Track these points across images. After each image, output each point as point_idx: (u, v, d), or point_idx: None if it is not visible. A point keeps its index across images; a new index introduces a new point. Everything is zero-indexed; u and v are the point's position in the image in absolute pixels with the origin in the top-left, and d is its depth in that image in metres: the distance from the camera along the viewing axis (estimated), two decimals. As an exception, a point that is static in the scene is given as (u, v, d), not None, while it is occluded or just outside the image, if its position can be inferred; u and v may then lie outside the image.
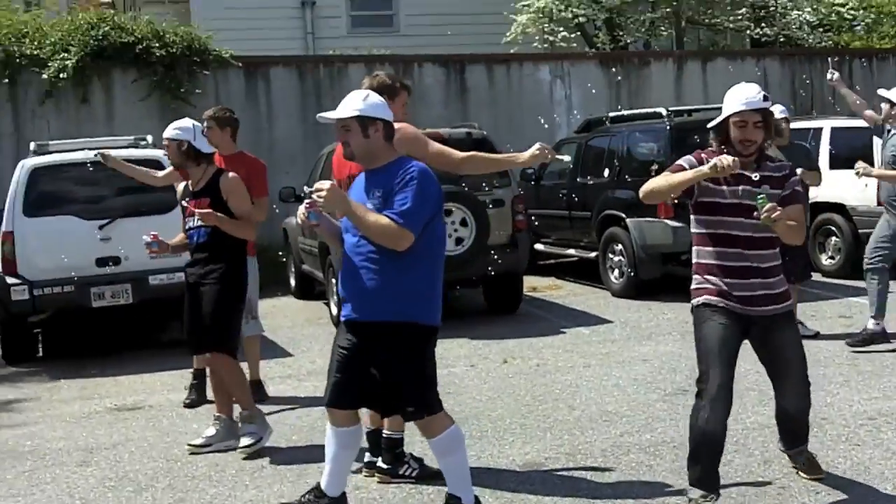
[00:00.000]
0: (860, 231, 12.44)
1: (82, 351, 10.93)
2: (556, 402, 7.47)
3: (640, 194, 5.05)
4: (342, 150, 4.99)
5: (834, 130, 13.36)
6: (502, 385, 8.13)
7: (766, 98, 4.93)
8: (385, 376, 4.79)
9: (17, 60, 15.27)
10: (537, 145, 5.80)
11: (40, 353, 11.01)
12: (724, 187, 4.96)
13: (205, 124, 7.77)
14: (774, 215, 4.72)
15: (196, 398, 8.20)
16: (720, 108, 5.06)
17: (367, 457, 5.97)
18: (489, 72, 17.40)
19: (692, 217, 5.11)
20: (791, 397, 5.21)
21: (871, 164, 9.72)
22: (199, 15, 20.32)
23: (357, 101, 4.87)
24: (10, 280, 9.85)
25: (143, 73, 15.67)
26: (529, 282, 13.56)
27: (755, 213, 4.77)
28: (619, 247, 12.23)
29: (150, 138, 11.08)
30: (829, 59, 9.99)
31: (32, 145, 10.81)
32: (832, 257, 13.08)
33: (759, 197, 4.77)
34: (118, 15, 16.68)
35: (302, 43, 21.00)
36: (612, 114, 13.89)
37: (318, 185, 4.71)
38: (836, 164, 13.05)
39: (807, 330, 9.25)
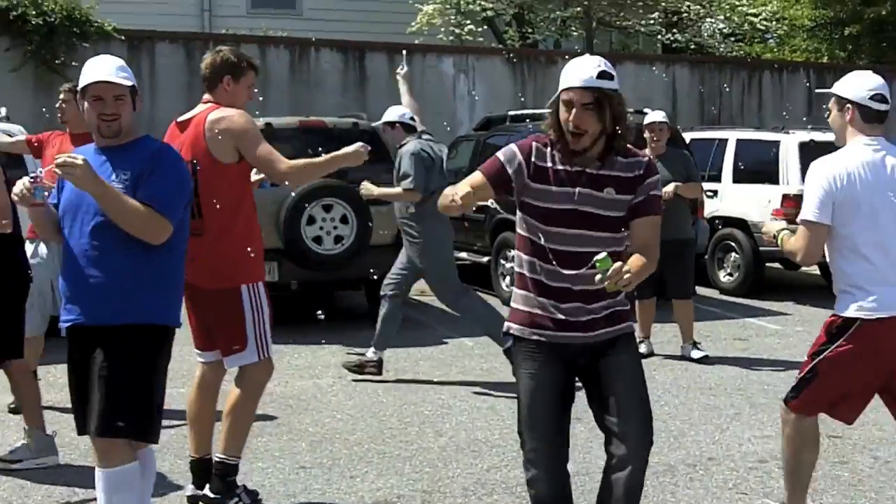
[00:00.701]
0: (761, 248, 12.02)
1: None
2: (423, 425, 6.77)
3: (439, 208, 4.01)
4: (103, 124, 4.12)
5: (740, 143, 12.93)
6: (368, 402, 7.40)
7: (606, 76, 3.75)
8: (104, 382, 4.01)
9: None
10: (357, 145, 5.13)
11: None
12: (553, 187, 3.85)
13: (61, 96, 6.99)
14: (624, 279, 3.56)
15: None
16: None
17: (191, 490, 5.20)
18: (390, 61, 16.62)
19: (518, 213, 4.00)
20: (619, 467, 3.83)
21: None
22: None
23: (119, 68, 4.18)
24: None
25: (16, 42, 14.59)
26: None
27: (595, 279, 3.60)
28: (512, 253, 11.54)
29: (3, 110, 10.11)
30: (403, 52, 9.11)
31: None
32: (731, 274, 12.64)
33: (597, 259, 3.59)
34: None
35: (198, 20, 20.04)
36: (512, 112, 13.23)
37: (65, 157, 3.92)
38: (740, 177, 12.62)
39: (698, 352, 8.73)
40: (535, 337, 3.93)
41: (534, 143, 3.90)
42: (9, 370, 5.97)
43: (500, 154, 3.90)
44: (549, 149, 3.88)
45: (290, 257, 9.69)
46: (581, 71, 3.76)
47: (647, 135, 8.76)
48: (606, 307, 3.92)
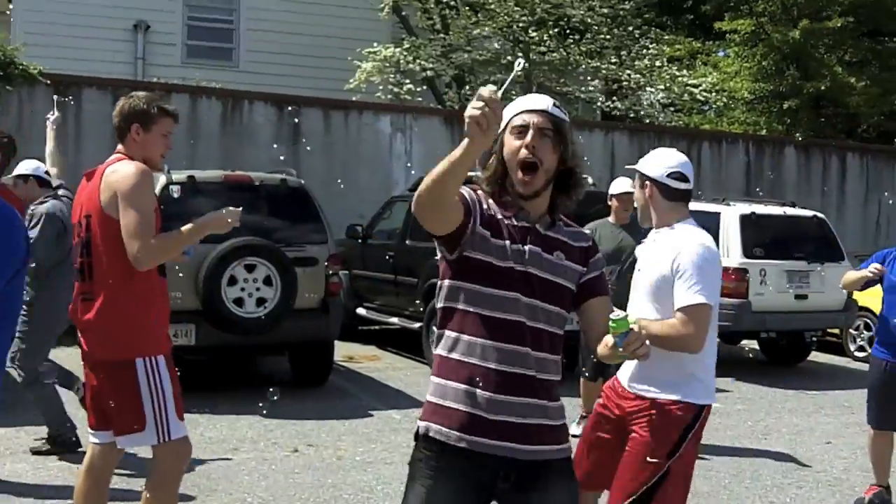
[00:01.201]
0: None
1: None
2: (343, 511, 6.24)
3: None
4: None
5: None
6: (284, 483, 6.81)
7: (560, 110, 3.18)
8: None
9: None
10: (225, 210, 4.66)
11: None
12: (506, 241, 3.13)
13: None
14: (643, 349, 3.01)
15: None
16: None
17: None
18: (326, 117, 16.20)
19: (443, 281, 3.19)
20: None
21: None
22: (18, 27, 18.72)
23: None
24: None
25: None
26: (347, 349, 12.38)
27: (607, 341, 3.07)
28: (445, 320, 11.07)
29: None
30: (55, 98, 8.28)
31: None
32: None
33: (613, 318, 3.01)
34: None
35: (131, 68, 19.49)
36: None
37: None
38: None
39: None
40: (458, 444, 3.08)
41: (477, 190, 3.19)
42: None
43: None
44: (490, 200, 3.20)
45: (210, 320, 9.11)
46: (536, 100, 3.22)
47: (613, 203, 8.47)
48: (546, 413, 3.16)
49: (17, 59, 14.56)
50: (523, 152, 3.11)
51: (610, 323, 3.00)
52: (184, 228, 4.50)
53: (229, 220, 4.62)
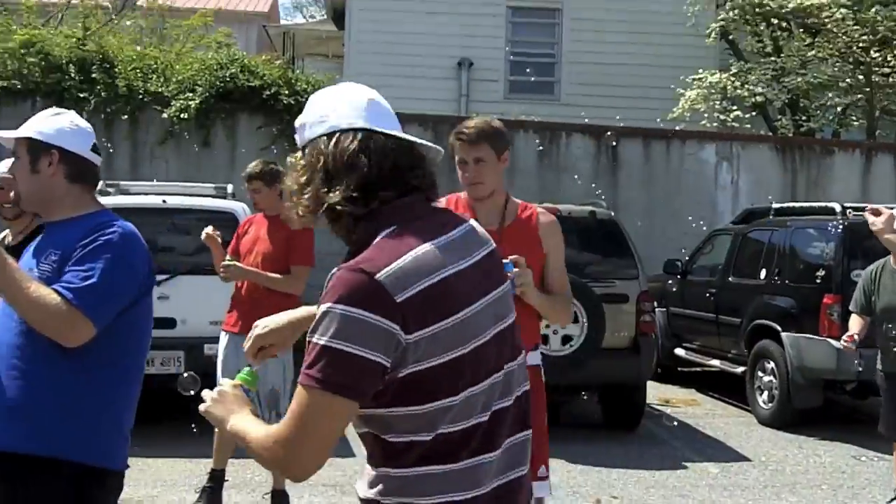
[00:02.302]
0: None
1: (140, 419, 9.57)
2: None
3: None
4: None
5: None
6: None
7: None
8: None
9: (140, 97, 14.36)
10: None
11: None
12: None
13: (250, 185, 6.61)
14: None
15: (205, 506, 6.70)
16: None
17: None
18: (646, 147, 15.60)
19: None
20: None
21: None
22: (352, 69, 19.38)
23: (37, 119, 3.35)
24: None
25: (268, 120, 14.55)
26: (662, 391, 11.68)
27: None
28: (771, 365, 10.13)
29: (230, 188, 9.79)
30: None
31: (100, 184, 9.62)
32: None
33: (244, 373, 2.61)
34: (250, 58, 15.63)
35: (455, 105, 19.69)
36: (776, 205, 11.83)
37: None
38: None
39: None
40: None
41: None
42: None
43: None
44: None
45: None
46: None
47: None
48: None
49: (343, 97, 14.96)
50: None
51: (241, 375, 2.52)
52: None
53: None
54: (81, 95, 14.07)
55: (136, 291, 3.23)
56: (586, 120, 16.24)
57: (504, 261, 3.81)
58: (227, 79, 14.44)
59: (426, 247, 2.16)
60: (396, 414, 2.16)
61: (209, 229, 6.68)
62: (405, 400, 2.15)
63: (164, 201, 9.10)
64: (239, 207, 9.04)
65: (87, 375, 3.11)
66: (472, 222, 2.39)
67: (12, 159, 4.65)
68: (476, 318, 2.20)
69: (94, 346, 3.08)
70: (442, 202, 4.13)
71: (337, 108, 2.30)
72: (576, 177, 14.94)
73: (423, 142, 2.38)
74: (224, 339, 6.71)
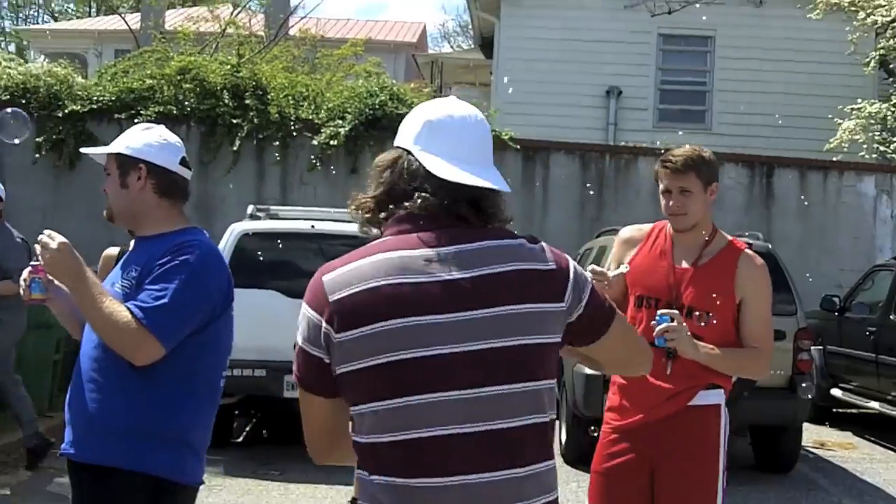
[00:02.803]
0: None
1: (281, 443, 9.66)
2: None
3: None
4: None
5: None
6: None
7: None
8: None
9: (292, 124, 14.59)
10: None
11: (240, 439, 9.86)
12: None
13: None
14: None
15: (346, 534, 6.66)
16: None
17: None
18: (801, 178, 15.09)
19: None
20: None
21: None
22: (500, 97, 19.35)
23: (127, 135, 3.39)
24: (196, 355, 8.73)
25: (414, 150, 14.58)
26: (818, 433, 11.21)
27: None
28: (936, 407, 9.61)
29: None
30: None
31: (250, 209, 9.77)
32: None
33: None
34: (398, 86, 15.74)
35: (602, 134, 19.45)
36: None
37: (46, 234, 3.19)
38: None
39: None
40: None
41: None
42: None
43: None
44: None
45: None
46: None
47: None
48: None
49: (490, 125, 14.91)
50: None
51: None
52: None
53: None
54: (234, 122, 14.37)
55: (210, 313, 3.22)
56: (738, 150, 15.84)
57: (659, 312, 3.63)
58: (376, 106, 14.56)
59: (378, 256, 2.23)
60: (354, 413, 2.25)
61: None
62: (349, 398, 2.25)
63: (312, 226, 9.16)
64: (385, 233, 9.04)
65: (157, 392, 3.13)
66: (513, 241, 2.30)
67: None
68: (428, 330, 2.18)
69: (164, 363, 3.10)
70: (645, 229, 4.03)
71: (403, 125, 2.43)
72: (726, 208, 14.55)
73: (456, 174, 2.29)
74: None
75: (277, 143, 14.52)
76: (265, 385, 8.71)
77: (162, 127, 3.45)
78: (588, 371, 8.67)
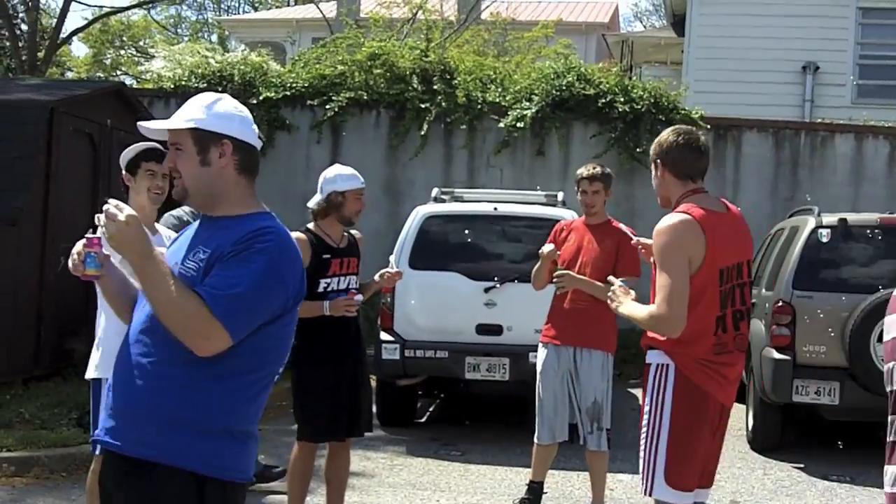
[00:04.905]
0: None
1: (462, 424, 9.77)
2: None
3: None
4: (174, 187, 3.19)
5: None
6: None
7: None
8: None
9: (479, 107, 14.67)
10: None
11: (423, 419, 10.03)
12: None
13: (591, 186, 6.52)
14: None
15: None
16: None
17: None
18: None
19: None
20: None
21: None
22: (692, 75, 18.94)
23: (198, 106, 3.07)
24: (383, 336, 8.91)
25: (603, 129, 14.45)
26: None
27: None
28: None
29: (561, 195, 9.76)
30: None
31: (435, 191, 9.88)
32: None
33: None
34: (586, 66, 15.58)
35: (798, 111, 18.76)
36: None
37: (112, 205, 2.90)
38: None
39: None
40: None
41: None
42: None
43: None
44: None
45: (857, 378, 8.18)
46: None
47: None
48: None
49: (679, 104, 14.64)
50: None
51: None
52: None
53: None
54: (423, 106, 14.56)
55: (283, 306, 2.99)
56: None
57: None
58: (563, 87, 14.48)
59: None
60: None
61: (551, 247, 6.56)
62: None
63: (495, 209, 9.20)
64: (569, 215, 8.97)
65: (214, 384, 2.90)
66: None
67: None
68: None
69: (228, 355, 2.89)
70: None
71: None
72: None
73: None
74: (542, 351, 6.63)
75: (464, 126, 14.61)
76: (447, 366, 8.81)
77: (228, 97, 3.16)
78: (777, 356, 8.43)
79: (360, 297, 5.74)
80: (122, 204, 2.95)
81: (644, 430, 4.29)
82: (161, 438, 2.87)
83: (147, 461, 2.88)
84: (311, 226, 5.86)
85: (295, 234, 5.97)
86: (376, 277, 6.10)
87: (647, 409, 4.28)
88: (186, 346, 2.84)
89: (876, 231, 8.56)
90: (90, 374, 5.01)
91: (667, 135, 4.46)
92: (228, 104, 3.10)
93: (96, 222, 2.92)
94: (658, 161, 4.42)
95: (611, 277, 4.74)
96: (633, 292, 4.47)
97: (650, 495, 4.27)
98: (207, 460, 2.90)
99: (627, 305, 4.36)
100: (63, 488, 6.93)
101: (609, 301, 4.50)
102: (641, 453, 4.29)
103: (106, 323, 4.90)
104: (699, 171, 4.42)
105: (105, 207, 2.90)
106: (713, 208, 4.33)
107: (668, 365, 4.24)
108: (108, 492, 3.03)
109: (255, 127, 3.16)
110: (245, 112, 3.14)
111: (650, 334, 4.30)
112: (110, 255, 3.08)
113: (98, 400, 4.65)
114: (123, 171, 5.09)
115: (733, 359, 4.32)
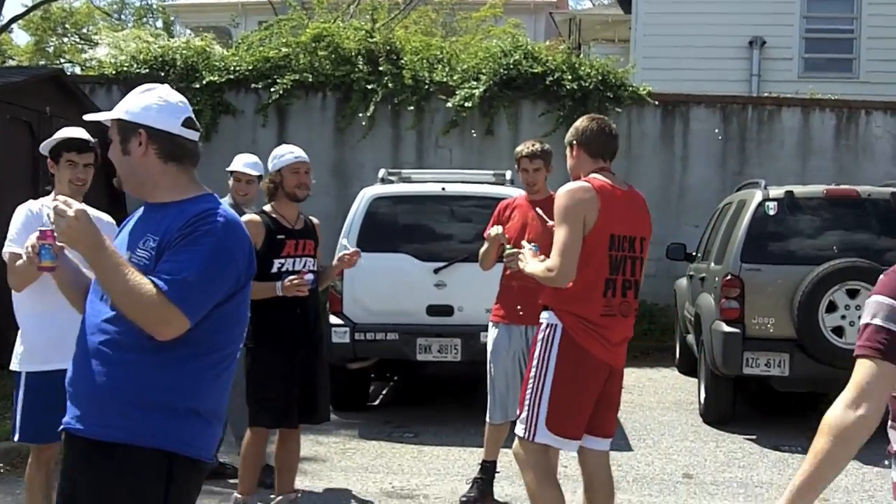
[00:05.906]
0: None
1: (415, 406, 9.72)
2: None
3: None
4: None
5: None
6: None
7: None
8: None
9: (426, 87, 14.57)
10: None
11: (376, 402, 9.97)
12: None
13: (532, 164, 6.43)
14: None
15: (477, 496, 6.62)
16: None
17: None
18: (958, 125, 14.36)
19: None
20: None
21: None
22: (639, 52, 18.96)
23: (128, 98, 3.17)
24: (332, 320, 8.81)
25: (551, 107, 14.42)
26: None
27: None
28: None
29: (509, 174, 9.70)
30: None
31: (381, 172, 9.78)
32: None
33: None
34: (533, 44, 15.53)
35: (745, 86, 18.85)
36: None
37: (58, 201, 2.97)
38: None
39: None
40: None
41: None
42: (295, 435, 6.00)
43: None
44: None
45: (805, 349, 8.22)
46: None
47: None
48: None
49: (627, 81, 14.64)
50: None
51: None
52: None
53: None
54: (369, 87, 14.44)
55: (235, 284, 3.08)
56: (887, 98, 15.13)
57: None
58: (511, 66, 14.43)
59: None
60: None
61: (500, 230, 6.42)
62: None
63: (443, 189, 9.12)
64: (517, 194, 8.91)
65: (175, 366, 2.98)
66: None
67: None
68: None
69: (187, 337, 2.97)
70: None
71: None
72: (876, 158, 13.97)
73: None
74: (493, 330, 6.57)
75: (412, 107, 14.52)
76: (398, 348, 8.73)
77: (165, 87, 3.23)
78: (727, 329, 8.45)
79: (310, 277, 5.66)
80: (70, 199, 3.02)
81: (531, 382, 4.79)
82: (126, 421, 2.94)
83: (112, 442, 2.95)
84: (266, 208, 5.89)
85: (249, 216, 5.89)
86: (335, 261, 6.05)
87: (534, 362, 4.78)
88: (146, 332, 2.93)
89: (822, 201, 8.62)
90: (13, 366, 4.93)
91: (582, 121, 4.98)
92: (152, 95, 3.16)
93: (45, 218, 3.05)
94: (574, 142, 4.92)
95: (523, 242, 5.24)
96: (542, 256, 4.90)
97: (533, 440, 4.78)
98: (175, 438, 2.99)
99: (530, 264, 4.89)
100: (7, 482, 6.79)
101: (518, 262, 5.03)
102: (526, 402, 4.78)
103: (25, 319, 4.84)
104: (609, 151, 4.93)
105: (53, 204, 2.97)
106: (614, 183, 4.82)
107: (556, 325, 4.74)
108: (70, 477, 3.05)
109: (187, 115, 3.18)
110: (172, 100, 3.17)
111: (545, 294, 4.81)
112: (64, 246, 3.13)
113: (21, 393, 4.87)
114: (48, 159, 4.94)
115: (615, 322, 4.76)
